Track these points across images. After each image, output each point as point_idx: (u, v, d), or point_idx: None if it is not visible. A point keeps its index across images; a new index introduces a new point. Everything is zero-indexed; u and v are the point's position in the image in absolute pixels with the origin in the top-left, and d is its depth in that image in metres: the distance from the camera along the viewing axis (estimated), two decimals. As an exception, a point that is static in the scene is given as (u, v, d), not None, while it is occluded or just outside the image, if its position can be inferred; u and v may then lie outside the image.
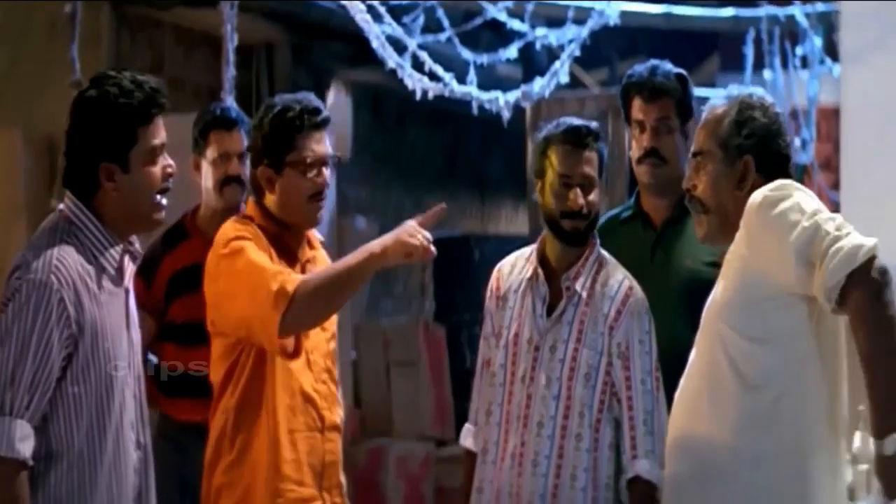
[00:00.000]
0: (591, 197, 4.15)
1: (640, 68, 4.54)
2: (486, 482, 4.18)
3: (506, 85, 7.73)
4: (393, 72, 6.63)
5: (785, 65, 9.09)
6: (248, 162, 4.85)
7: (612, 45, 10.61)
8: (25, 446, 3.29)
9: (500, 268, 4.32)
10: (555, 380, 4.10)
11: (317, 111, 4.06)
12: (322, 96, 8.85)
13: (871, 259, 3.23)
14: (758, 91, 3.63)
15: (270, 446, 4.01)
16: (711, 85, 10.54)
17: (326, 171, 4.08)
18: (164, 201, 3.53)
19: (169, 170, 3.52)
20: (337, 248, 4.27)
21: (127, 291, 3.55)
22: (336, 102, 9.03)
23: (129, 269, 3.58)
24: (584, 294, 4.14)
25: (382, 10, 6.29)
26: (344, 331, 4.89)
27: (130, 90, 3.43)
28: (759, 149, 3.52)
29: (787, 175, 3.52)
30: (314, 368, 4.09)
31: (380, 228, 9.54)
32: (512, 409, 4.14)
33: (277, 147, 4.04)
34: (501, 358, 4.19)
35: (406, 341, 7.38)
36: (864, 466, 5.13)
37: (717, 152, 3.53)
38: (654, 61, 4.58)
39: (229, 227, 4.09)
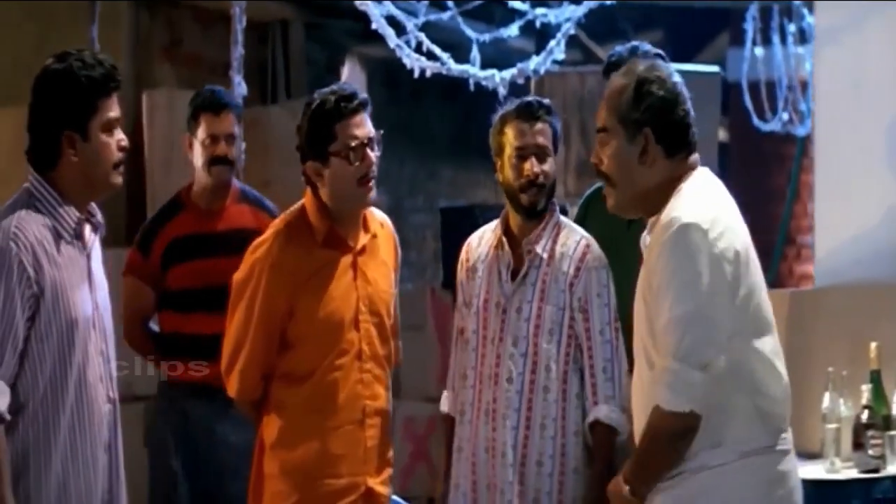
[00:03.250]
0: (546, 167, 4.32)
1: (620, 49, 4.71)
2: (465, 441, 4.36)
3: (518, 58, 7.77)
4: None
5: (784, 40, 9.20)
6: (236, 143, 5.12)
7: (627, 19, 10.74)
8: (2, 402, 3.49)
9: (469, 241, 4.50)
10: (521, 338, 4.29)
11: (352, 97, 4.10)
12: (336, 71, 9.08)
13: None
14: (656, 63, 3.62)
15: (307, 445, 4.12)
16: (722, 59, 10.68)
17: (371, 153, 4.11)
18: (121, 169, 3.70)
19: (122, 143, 3.69)
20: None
21: (89, 257, 3.71)
22: (350, 77, 9.12)
23: (92, 237, 3.73)
24: (545, 256, 4.32)
25: (383, -9, 6.47)
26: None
27: (92, 64, 3.63)
28: (658, 120, 3.52)
29: (687, 143, 3.56)
30: (363, 357, 4.17)
31: (393, 199, 9.75)
32: (484, 369, 4.32)
33: (320, 140, 4.08)
34: (473, 324, 4.37)
35: (413, 306, 7.39)
36: (832, 425, 5.35)
37: (618, 129, 3.55)
38: (634, 42, 4.78)
39: (262, 246, 4.13)
